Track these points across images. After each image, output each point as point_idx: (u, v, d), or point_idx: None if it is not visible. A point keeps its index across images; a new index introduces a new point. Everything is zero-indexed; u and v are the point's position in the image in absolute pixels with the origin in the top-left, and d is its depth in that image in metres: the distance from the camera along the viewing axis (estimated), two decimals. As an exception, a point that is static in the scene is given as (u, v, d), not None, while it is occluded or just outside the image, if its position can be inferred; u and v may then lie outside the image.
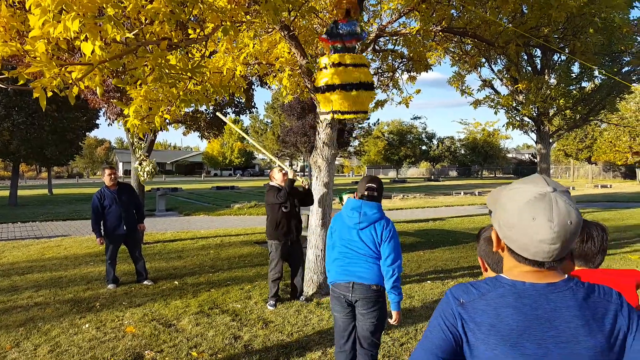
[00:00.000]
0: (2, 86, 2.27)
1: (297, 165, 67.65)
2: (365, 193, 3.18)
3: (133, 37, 2.35)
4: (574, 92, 11.08)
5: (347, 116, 5.08)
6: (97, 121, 23.17)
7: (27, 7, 2.30)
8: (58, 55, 2.52)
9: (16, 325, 4.77)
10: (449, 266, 7.49)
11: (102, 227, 6.20)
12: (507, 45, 6.44)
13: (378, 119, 47.83)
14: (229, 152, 66.59)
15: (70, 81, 2.39)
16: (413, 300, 5.55)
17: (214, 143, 63.16)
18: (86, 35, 2.04)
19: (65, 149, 22.02)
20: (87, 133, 23.56)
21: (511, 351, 1.07)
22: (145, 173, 3.51)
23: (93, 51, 2.06)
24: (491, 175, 61.68)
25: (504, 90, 12.38)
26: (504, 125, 11.65)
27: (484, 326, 1.11)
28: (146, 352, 4.10)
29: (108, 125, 9.88)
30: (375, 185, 3.21)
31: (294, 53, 5.19)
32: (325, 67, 4.89)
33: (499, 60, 11.55)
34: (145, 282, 6.39)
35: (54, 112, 19.54)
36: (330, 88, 4.94)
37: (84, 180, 60.39)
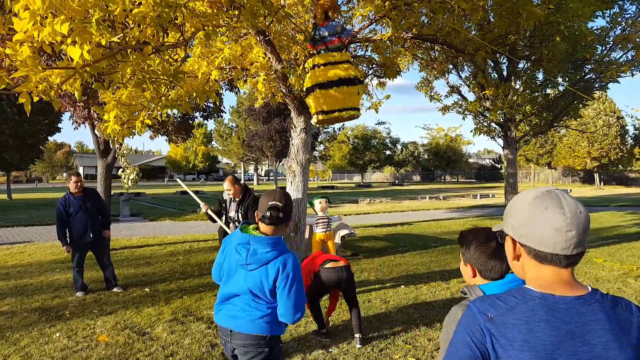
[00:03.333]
0: (-17, 89, 2.21)
1: (262, 170, 67.39)
2: (267, 214, 2.35)
3: (118, 40, 2.34)
4: (539, 98, 11.47)
5: (331, 115, 4.84)
6: (60, 124, 22.42)
7: (8, 10, 2.26)
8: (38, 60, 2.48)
9: (-20, 336, 4.57)
10: (420, 270, 7.65)
11: (67, 234, 6.03)
12: (476, 53, 6.69)
13: (343, 124, 48.26)
14: (192, 156, 65.56)
15: (55, 86, 2.36)
16: (388, 305, 5.61)
17: (178, 147, 62.00)
18: (74, 40, 2.02)
19: (26, 153, 21.22)
20: (48, 137, 22.72)
21: None
22: (129, 180, 3.47)
23: (81, 55, 2.05)
24: (454, 180, 63.38)
25: (471, 97, 12.75)
26: (471, 131, 12.00)
27: (516, 342, 1.07)
28: (120, 360, 4.03)
29: (74, 129, 9.59)
30: (280, 204, 2.36)
31: (270, 58, 5.24)
32: (305, 72, 4.92)
33: (466, 67, 11.89)
34: (114, 290, 6.25)
35: (14, 116, 18.77)
36: (308, 90, 4.90)
37: (43, 184, 57.90)
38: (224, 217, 5.57)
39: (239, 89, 11.34)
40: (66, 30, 1.91)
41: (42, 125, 20.82)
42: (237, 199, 5.32)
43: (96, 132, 8.97)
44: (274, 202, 2.35)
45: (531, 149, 43.66)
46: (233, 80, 7.84)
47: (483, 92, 11.17)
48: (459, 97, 12.45)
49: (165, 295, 6.08)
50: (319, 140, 43.66)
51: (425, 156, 57.65)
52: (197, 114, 12.72)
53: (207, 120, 13.67)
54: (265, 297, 2.34)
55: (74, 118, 9.16)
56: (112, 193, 10.34)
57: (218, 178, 72.38)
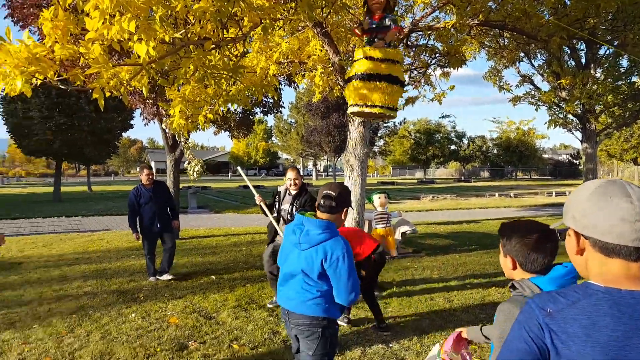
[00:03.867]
0: (62, 87, 2.41)
1: (320, 166, 67.87)
2: (322, 202, 2.50)
3: (180, 37, 2.44)
4: (623, 87, 10.49)
5: (369, 109, 4.74)
6: (132, 121, 23.98)
7: (80, 10, 2.43)
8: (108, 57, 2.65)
9: (69, 312, 5.04)
10: (488, 270, 7.27)
11: (137, 224, 6.38)
12: (550, 39, 6.24)
13: (404, 118, 47.35)
14: (254, 151, 67.52)
15: (125, 82, 2.51)
16: (453, 304, 5.42)
17: (240, 143, 64.12)
18: (139, 37, 2.14)
19: (103, 148, 22.90)
20: (122, 133, 24.39)
21: None
22: (194, 172, 3.61)
23: (147, 51, 2.17)
24: (526, 177, 59.88)
25: (545, 86, 11.96)
26: (545, 123, 11.29)
27: (578, 337, 1.03)
28: (190, 342, 4.24)
29: (145, 125, 10.24)
30: (333, 194, 2.50)
31: (327, 50, 5.23)
32: (357, 60, 4.81)
33: (539, 55, 11.12)
34: (164, 277, 6.39)
35: (91, 114, 20.34)
36: (358, 78, 4.78)
37: (118, 178, 62.45)
38: (275, 211, 5.31)
39: (297, 84, 11.47)
40: (133, 27, 2.03)
41: (116, 122, 22.39)
42: (293, 192, 5.09)
43: (163, 126, 9.46)
44: (328, 192, 2.52)
45: (614, 143, 40.10)
46: (291, 75, 7.95)
47: (558, 82, 10.41)
48: (532, 87, 11.69)
49: (230, 283, 6.32)
50: (379, 135, 43.12)
51: (495, 151, 54.84)
52: (257, 110, 13.03)
53: (267, 116, 14.04)
54: (314, 280, 2.43)
55: (144, 114, 9.75)
56: (180, 186, 10.88)
57: (278, 173, 73.95)
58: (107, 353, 3.97)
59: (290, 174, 5.05)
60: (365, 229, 7.81)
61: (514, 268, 1.71)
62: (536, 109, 11.56)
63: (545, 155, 62.39)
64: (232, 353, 4.02)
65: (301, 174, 5.25)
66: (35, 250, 8.71)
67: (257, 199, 5.10)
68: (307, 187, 5.36)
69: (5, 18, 8.16)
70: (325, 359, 2.53)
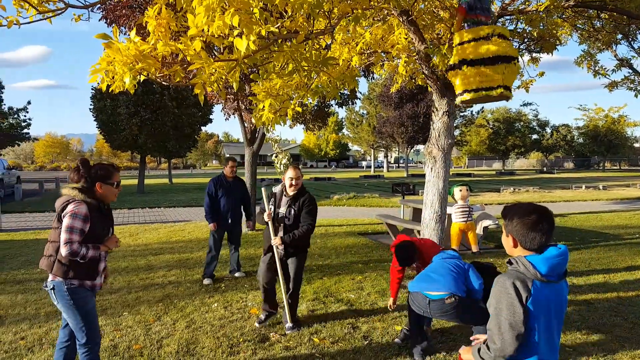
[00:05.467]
0: (165, 83, 2.48)
1: (391, 157, 66.86)
2: None
3: (276, 30, 2.41)
4: None
5: (480, 94, 4.28)
6: (211, 116, 25.00)
7: (179, 8, 2.46)
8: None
9: (155, 300, 5.30)
10: (578, 268, 6.76)
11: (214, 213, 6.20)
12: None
13: (482, 107, 44.84)
14: (324, 144, 67.92)
15: (224, 77, 2.53)
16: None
17: (311, 136, 64.83)
18: (240, 31, 2.13)
19: (184, 142, 24.15)
20: (202, 127, 25.54)
21: None
22: (282, 165, 3.60)
23: (247, 46, 2.15)
24: (615, 168, 55.01)
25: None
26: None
27: None
28: (271, 334, 4.30)
29: (225, 119, 10.58)
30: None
31: (412, 38, 5.02)
32: (451, 50, 4.50)
33: (639, 36, 10.08)
34: (236, 274, 6.40)
35: (174, 109, 21.49)
36: (454, 67, 4.38)
37: (196, 171, 65.82)
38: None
39: (373, 75, 11.27)
40: (236, 22, 2.02)
41: (196, 117, 23.48)
42: (291, 194, 4.44)
43: (245, 122, 9.70)
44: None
45: None
46: (369, 66, 7.78)
47: (663, 63, 9.32)
48: (630, 71, 10.59)
49: (306, 275, 6.34)
50: (454, 124, 41.57)
51: (580, 140, 50.83)
52: (332, 102, 13.00)
53: (342, 108, 13.91)
54: None
55: (226, 110, 10.07)
56: (257, 178, 11.13)
57: (348, 165, 74.02)
58: (192, 342, 4.12)
59: (291, 173, 4.41)
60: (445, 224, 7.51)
61: (515, 246, 1.89)
62: (635, 95, 10.48)
63: (637, 145, 56.90)
64: (313, 346, 4.00)
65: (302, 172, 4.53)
66: (123, 240, 9.30)
67: (267, 217, 4.44)
68: (304, 187, 4.60)
69: (99, 20, 8.76)
70: None
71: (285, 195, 4.48)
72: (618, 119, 46.41)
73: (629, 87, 10.09)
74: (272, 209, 4.47)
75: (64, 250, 2.79)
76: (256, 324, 4.51)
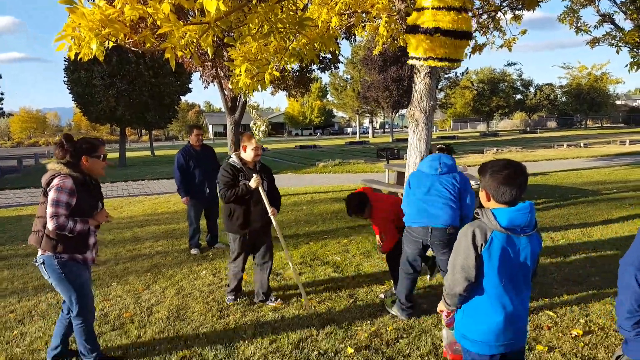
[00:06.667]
0: (135, 49, 2.41)
1: (377, 122, 66.63)
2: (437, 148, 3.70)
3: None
4: None
5: (439, 63, 4.79)
6: (190, 85, 24.43)
7: (147, -31, 2.36)
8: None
9: (144, 270, 5.35)
10: (557, 223, 6.98)
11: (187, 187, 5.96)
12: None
13: (467, 68, 44.58)
14: (309, 111, 67.19)
15: (194, 41, 2.47)
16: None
17: (294, 103, 64.00)
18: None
19: (163, 112, 23.65)
20: (181, 97, 25.01)
21: None
22: (260, 132, 3.45)
23: (217, 7, 2.08)
24: (596, 126, 55.77)
25: (628, 25, 10.78)
26: (626, 66, 10.26)
27: None
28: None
29: (204, 87, 10.36)
30: (444, 146, 3.77)
31: (391, -2, 4.92)
32: (426, 8, 4.56)
33: (621, -10, 9.98)
34: (216, 246, 6.28)
35: (151, 79, 20.94)
36: (427, 31, 4.60)
37: (179, 142, 64.96)
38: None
39: (355, 38, 11.08)
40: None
41: (174, 86, 22.92)
42: (256, 166, 4.11)
43: (225, 89, 9.52)
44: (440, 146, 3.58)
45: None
46: (351, 28, 7.64)
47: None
48: (612, 26, 10.57)
49: (293, 240, 6.43)
50: (439, 87, 41.34)
51: (564, 99, 51.15)
52: (314, 67, 12.80)
53: (324, 72, 13.70)
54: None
55: (204, 77, 9.85)
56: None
57: (334, 132, 73.64)
58: (182, 308, 4.19)
59: (255, 142, 3.98)
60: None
61: (488, 200, 2.01)
62: (617, 51, 10.49)
63: (619, 102, 57.69)
64: (300, 307, 4.10)
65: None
66: (108, 213, 9.23)
67: (255, 181, 3.93)
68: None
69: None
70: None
71: (250, 169, 4.05)
72: (600, 77, 46.70)
73: (610, 43, 10.09)
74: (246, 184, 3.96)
75: (50, 224, 2.77)
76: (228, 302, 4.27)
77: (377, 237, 4.51)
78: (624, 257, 1.70)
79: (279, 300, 4.27)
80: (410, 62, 5.20)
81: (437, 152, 3.67)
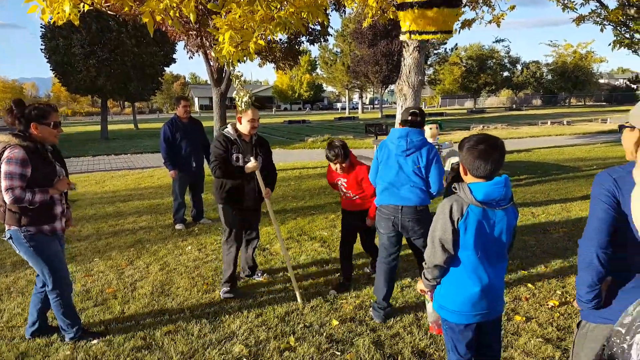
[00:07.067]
0: (111, 13, 2.27)
1: (366, 98, 66.11)
2: (409, 118, 3.35)
3: (232, -49, 2.21)
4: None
5: (425, 36, 4.73)
6: (174, 56, 23.78)
7: None
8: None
9: (127, 246, 5.26)
10: (538, 198, 7.07)
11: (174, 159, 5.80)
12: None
13: (456, 44, 44.40)
14: (298, 85, 66.16)
15: (175, 5, 2.34)
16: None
17: (283, 76, 62.92)
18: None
19: (146, 83, 23.05)
20: (165, 68, 24.37)
21: None
22: (242, 103, 3.30)
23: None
24: (579, 104, 56.33)
25: (612, 4, 10.78)
26: (609, 44, 10.27)
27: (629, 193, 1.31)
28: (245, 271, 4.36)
29: (189, 58, 10.07)
30: (417, 111, 3.40)
31: (381, -32, 4.77)
32: None
33: (609, -34, 9.89)
34: (202, 221, 6.17)
35: (133, 48, 20.28)
36: (407, 6, 4.55)
37: (163, 115, 63.77)
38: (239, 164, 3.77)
39: (344, 9, 10.83)
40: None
41: (158, 56, 22.26)
42: (252, 139, 3.84)
43: (210, 60, 9.26)
44: (414, 110, 3.39)
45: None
46: (339, -1, 7.44)
47: (628, -2, 9.30)
48: (597, 4, 10.51)
49: (281, 216, 6.39)
50: (428, 63, 41.01)
51: (549, 77, 51.36)
52: (302, 39, 12.52)
53: (313, 45, 13.44)
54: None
55: (188, 47, 9.56)
56: (227, 121, 10.85)
57: (323, 107, 72.96)
58: (167, 283, 4.15)
59: (253, 113, 3.70)
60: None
61: (465, 174, 2.05)
62: (601, 29, 10.51)
63: (602, 80, 58.21)
64: (287, 280, 4.09)
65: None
66: (89, 188, 9.07)
67: (252, 165, 3.64)
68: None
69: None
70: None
71: (245, 140, 3.78)
72: (585, 55, 46.89)
73: (595, 20, 10.05)
74: (239, 159, 3.71)
75: (7, 198, 2.67)
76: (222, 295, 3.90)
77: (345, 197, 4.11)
78: (582, 238, 1.74)
79: (265, 275, 4.27)
80: (402, 37, 5.12)
81: (409, 117, 3.33)
